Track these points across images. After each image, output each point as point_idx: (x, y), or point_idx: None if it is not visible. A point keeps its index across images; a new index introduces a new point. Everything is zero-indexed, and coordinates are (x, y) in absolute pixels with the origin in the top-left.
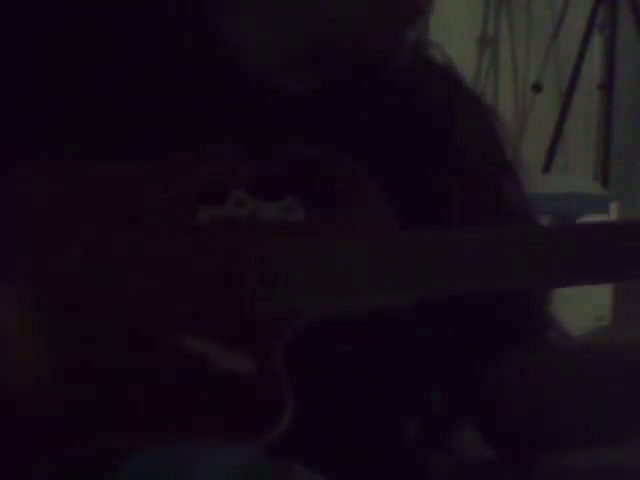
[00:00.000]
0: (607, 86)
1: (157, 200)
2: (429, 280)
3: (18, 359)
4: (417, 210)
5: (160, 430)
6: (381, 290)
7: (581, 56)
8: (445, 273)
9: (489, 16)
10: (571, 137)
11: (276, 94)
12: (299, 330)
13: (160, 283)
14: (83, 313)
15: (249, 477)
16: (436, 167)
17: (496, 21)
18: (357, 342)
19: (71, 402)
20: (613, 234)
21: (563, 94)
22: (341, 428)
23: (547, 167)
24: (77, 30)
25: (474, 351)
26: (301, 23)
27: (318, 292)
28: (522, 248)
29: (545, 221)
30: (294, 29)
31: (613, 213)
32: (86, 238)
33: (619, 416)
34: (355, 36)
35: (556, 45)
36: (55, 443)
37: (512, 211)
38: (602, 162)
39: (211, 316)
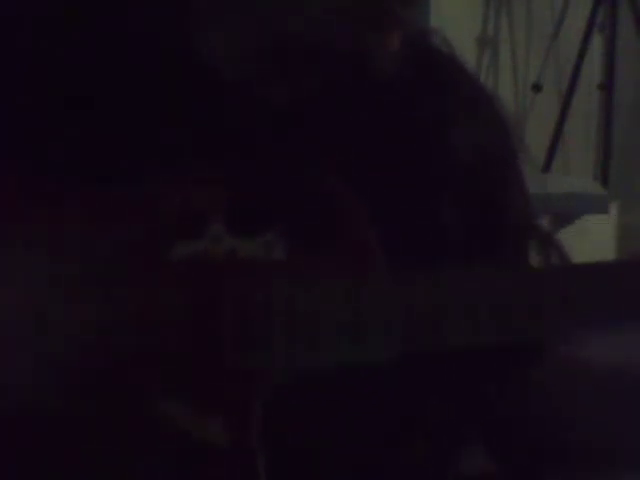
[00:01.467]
0: (607, 86)
1: (129, 230)
2: (419, 334)
3: None
4: (411, 224)
5: None
6: (365, 344)
7: (581, 56)
8: (437, 325)
9: (489, 16)
10: (571, 137)
11: (258, 106)
12: (280, 387)
13: (125, 331)
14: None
15: None
16: (432, 176)
17: (496, 21)
18: (343, 397)
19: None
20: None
21: (563, 94)
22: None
23: (547, 167)
24: (49, 45)
25: (474, 380)
26: (271, 34)
27: (299, 346)
28: (523, 294)
29: (545, 221)
30: (266, 40)
31: (613, 213)
32: (50, 271)
33: (623, 440)
34: (329, 46)
35: (556, 45)
36: None
37: (512, 223)
38: (602, 162)
39: (180, 372)
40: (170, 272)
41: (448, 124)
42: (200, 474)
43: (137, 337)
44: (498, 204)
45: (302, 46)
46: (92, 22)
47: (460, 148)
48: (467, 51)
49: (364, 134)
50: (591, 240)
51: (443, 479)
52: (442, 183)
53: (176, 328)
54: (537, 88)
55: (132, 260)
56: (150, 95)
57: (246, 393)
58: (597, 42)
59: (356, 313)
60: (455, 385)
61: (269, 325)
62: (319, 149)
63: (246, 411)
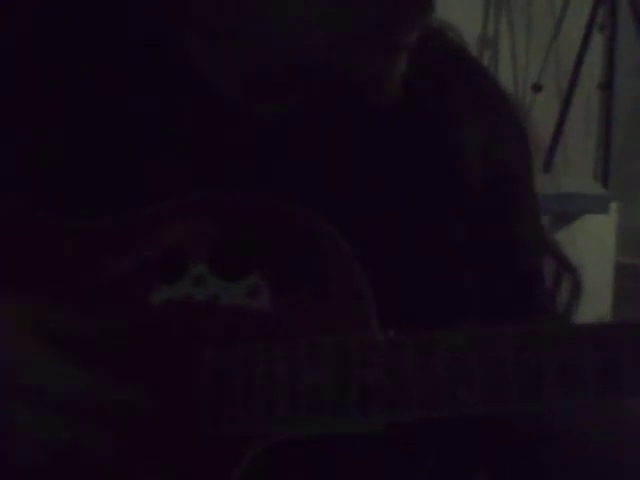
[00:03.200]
0: (607, 86)
1: (109, 270)
2: (409, 401)
3: None
4: (413, 247)
5: None
6: (349, 412)
7: (581, 56)
8: (427, 392)
9: (489, 16)
10: (571, 137)
11: (246, 121)
12: (260, 455)
13: (101, 388)
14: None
15: None
16: (437, 192)
17: (496, 21)
18: (327, 457)
19: None
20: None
21: (563, 94)
22: None
23: (547, 167)
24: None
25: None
26: (270, 49)
27: (278, 410)
28: (525, 356)
29: (545, 221)
30: (262, 55)
31: (613, 213)
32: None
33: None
34: (328, 66)
35: (556, 45)
36: None
37: (524, 249)
38: (602, 162)
39: (156, 437)
40: (150, 316)
41: (459, 124)
42: None
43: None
44: (511, 223)
45: (302, 71)
46: (91, 38)
47: (475, 162)
48: None
49: (362, 165)
50: (591, 240)
51: None
52: (452, 205)
53: (152, 384)
54: (537, 88)
55: (110, 304)
56: (139, 127)
57: (225, 459)
58: (597, 42)
59: (340, 380)
60: (453, 442)
61: (250, 392)
62: (310, 183)
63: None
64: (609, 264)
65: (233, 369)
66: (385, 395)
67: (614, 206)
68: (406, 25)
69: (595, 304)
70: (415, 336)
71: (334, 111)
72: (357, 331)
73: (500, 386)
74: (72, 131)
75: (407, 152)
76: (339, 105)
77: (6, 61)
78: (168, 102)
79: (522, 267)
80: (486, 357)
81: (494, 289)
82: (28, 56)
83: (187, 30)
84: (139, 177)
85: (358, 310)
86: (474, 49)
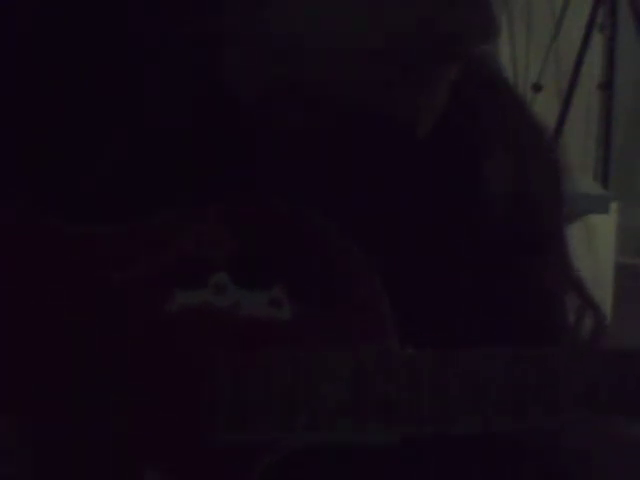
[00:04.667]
0: (607, 86)
1: (124, 275)
2: (425, 418)
3: None
4: (413, 250)
5: None
6: (367, 424)
7: (581, 56)
8: (446, 407)
9: None
10: (571, 137)
11: (264, 127)
12: (274, 465)
13: (116, 394)
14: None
15: None
16: (460, 216)
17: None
18: (341, 469)
19: None
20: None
21: (563, 94)
22: None
23: None
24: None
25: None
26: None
27: (296, 421)
28: (544, 374)
29: None
30: (290, 65)
31: (613, 213)
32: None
33: None
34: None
35: (556, 45)
36: None
37: (545, 282)
38: (602, 162)
39: (167, 444)
40: (165, 325)
41: (489, 157)
42: None
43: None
44: (534, 255)
45: (317, 84)
46: (91, 38)
47: (499, 196)
48: None
49: (384, 177)
50: (591, 240)
51: None
52: (475, 224)
53: (167, 391)
54: (537, 88)
55: (126, 305)
56: (140, 126)
57: (237, 470)
58: (597, 42)
59: (358, 394)
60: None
61: (267, 401)
62: (309, 183)
63: None
64: (609, 264)
65: (250, 378)
66: (402, 411)
67: (614, 206)
68: (458, 55)
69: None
70: (432, 352)
71: (351, 125)
72: (375, 342)
73: (518, 404)
74: (72, 131)
75: (417, 158)
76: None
77: (6, 61)
78: (170, 102)
79: (542, 298)
80: (504, 376)
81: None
82: (28, 56)
83: (209, 29)
84: (140, 176)
85: (376, 322)
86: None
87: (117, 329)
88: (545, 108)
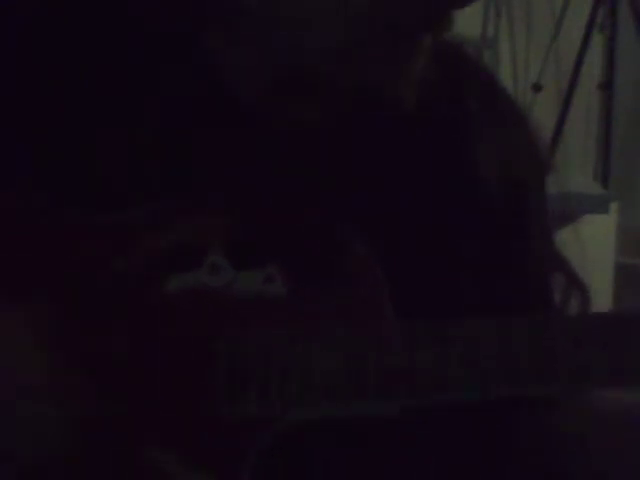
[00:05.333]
0: (607, 86)
1: (123, 261)
2: (424, 387)
3: None
4: (420, 256)
5: None
6: (367, 395)
7: (581, 56)
8: (445, 377)
9: (489, 16)
10: (571, 137)
11: (264, 126)
12: (277, 437)
13: (115, 374)
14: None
15: None
16: (451, 199)
17: (496, 21)
18: (341, 443)
19: None
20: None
21: (563, 94)
22: None
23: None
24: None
25: (486, 428)
26: (286, 62)
27: (293, 395)
28: (541, 341)
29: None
30: (286, 60)
31: (613, 213)
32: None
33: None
34: (346, 70)
35: (556, 45)
36: None
37: (534, 263)
38: (602, 162)
39: (172, 417)
40: (163, 307)
41: (476, 141)
42: None
43: (124, 379)
44: (525, 237)
45: (316, 77)
46: (91, 38)
47: (491, 178)
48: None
49: (381, 160)
50: (591, 240)
51: None
52: (466, 205)
53: (166, 372)
54: (537, 88)
55: (124, 289)
56: (140, 126)
57: (238, 444)
58: (597, 42)
59: (356, 364)
60: (466, 434)
61: (265, 374)
62: (327, 184)
63: (239, 463)
64: (609, 264)
65: (248, 353)
66: (401, 379)
67: (614, 206)
68: (425, 25)
69: (595, 304)
70: (429, 322)
71: (339, 111)
72: (372, 318)
73: (513, 371)
74: (73, 131)
75: (413, 154)
76: (356, 115)
77: (6, 61)
78: (170, 101)
79: (532, 281)
80: (500, 344)
81: (498, 296)
82: (28, 56)
83: (209, 29)
84: (142, 175)
85: (373, 298)
86: (474, 49)
87: (117, 313)
88: (545, 108)
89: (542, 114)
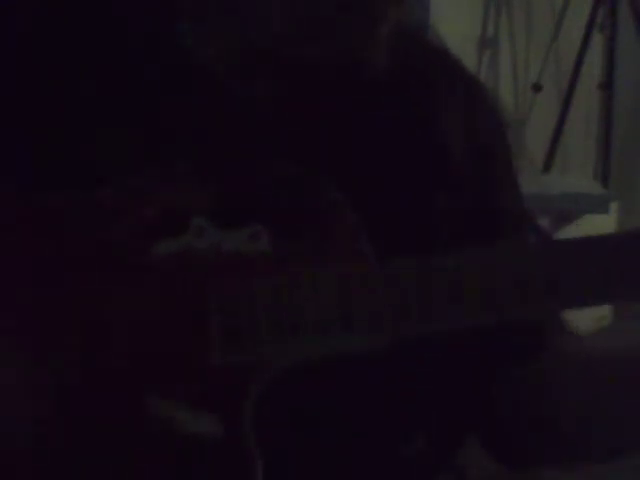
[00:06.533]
0: (607, 86)
1: (108, 231)
2: (409, 318)
3: None
4: (399, 219)
5: None
6: (351, 331)
7: (581, 56)
8: (427, 311)
9: (489, 16)
10: (571, 137)
11: (238, 100)
12: (272, 380)
13: (112, 333)
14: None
15: None
16: (421, 166)
17: (496, 21)
18: (338, 386)
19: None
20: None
21: (563, 94)
22: (336, 464)
23: (547, 167)
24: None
25: (474, 371)
26: (254, 34)
27: (284, 337)
28: (522, 267)
29: (545, 221)
30: (249, 39)
31: (613, 213)
32: (25, 280)
33: (620, 430)
34: (313, 44)
35: (556, 45)
36: None
37: (507, 220)
38: (602, 162)
39: (172, 371)
40: (152, 272)
41: (441, 111)
42: (194, 471)
43: (126, 336)
44: (495, 199)
45: (284, 47)
46: (91, 38)
47: (458, 146)
48: (467, 51)
49: (351, 129)
50: None
51: (438, 474)
52: (435, 171)
53: (162, 327)
54: (537, 88)
55: (114, 259)
56: (136, 91)
57: (237, 390)
58: (597, 42)
59: (343, 304)
60: (453, 379)
61: (255, 320)
62: (305, 145)
63: (238, 408)
64: None
65: (237, 303)
66: (385, 311)
67: (614, 206)
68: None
69: None
70: (413, 259)
71: (320, 87)
72: (352, 255)
73: (490, 296)
74: (72, 131)
75: (382, 119)
76: (328, 81)
77: (6, 61)
78: (169, 99)
79: (505, 241)
80: (477, 271)
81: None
82: (28, 56)
83: (183, 21)
84: (101, 144)
85: (356, 250)
86: (474, 49)
87: (108, 279)
88: (545, 108)
89: (542, 114)
